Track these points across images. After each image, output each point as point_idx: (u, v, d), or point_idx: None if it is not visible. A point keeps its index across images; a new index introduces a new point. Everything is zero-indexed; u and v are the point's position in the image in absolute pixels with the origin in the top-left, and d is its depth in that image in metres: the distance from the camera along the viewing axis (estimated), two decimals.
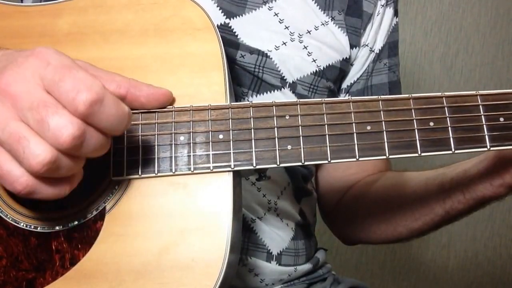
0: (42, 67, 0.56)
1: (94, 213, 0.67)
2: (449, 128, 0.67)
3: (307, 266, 1.02)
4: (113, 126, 0.56)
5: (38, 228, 0.67)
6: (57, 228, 0.67)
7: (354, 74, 1.04)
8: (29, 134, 0.54)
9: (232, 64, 0.92)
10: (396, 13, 1.07)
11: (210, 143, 0.67)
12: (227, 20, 0.92)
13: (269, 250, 0.96)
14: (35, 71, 0.56)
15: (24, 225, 0.67)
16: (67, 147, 0.54)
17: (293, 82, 0.95)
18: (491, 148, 0.67)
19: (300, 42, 0.95)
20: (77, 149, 0.55)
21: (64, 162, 0.55)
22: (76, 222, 0.66)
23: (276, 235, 0.98)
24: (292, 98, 0.95)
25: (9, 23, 0.73)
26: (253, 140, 0.67)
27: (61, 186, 0.57)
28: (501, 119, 0.68)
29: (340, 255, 2.18)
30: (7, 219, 0.68)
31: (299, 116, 0.68)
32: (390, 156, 0.67)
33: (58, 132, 0.53)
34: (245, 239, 0.94)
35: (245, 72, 0.93)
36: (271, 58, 0.93)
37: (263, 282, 0.97)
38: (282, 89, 0.95)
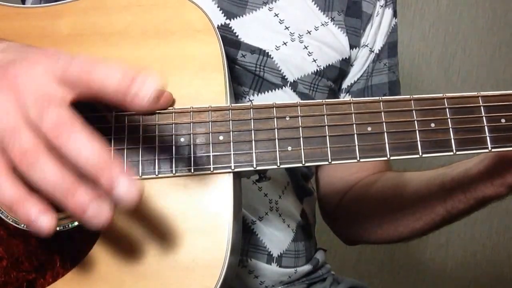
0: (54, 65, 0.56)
1: (76, 223, 0.67)
2: (450, 129, 0.67)
3: (307, 267, 1.02)
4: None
5: (23, 226, 0.67)
6: (57, 229, 0.67)
7: (354, 74, 1.05)
8: (23, 127, 0.53)
9: (233, 64, 0.92)
10: (395, 14, 1.07)
11: (211, 144, 0.67)
12: (228, 21, 0.92)
13: (270, 252, 0.96)
14: (47, 68, 0.56)
15: (25, 226, 0.67)
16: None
17: (294, 81, 0.95)
18: (493, 150, 0.67)
19: (301, 42, 0.95)
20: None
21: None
22: (76, 223, 0.66)
23: (276, 237, 0.97)
24: (293, 97, 0.96)
25: (9, 24, 0.73)
26: (253, 141, 0.67)
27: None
28: (503, 120, 0.68)
29: (339, 255, 2.18)
30: (8, 220, 0.68)
31: (299, 117, 0.68)
32: (391, 158, 0.67)
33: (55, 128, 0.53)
34: (245, 240, 0.94)
35: (246, 71, 0.93)
36: (272, 58, 0.93)
37: (263, 284, 0.97)
38: (283, 88, 0.95)
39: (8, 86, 0.56)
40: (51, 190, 0.52)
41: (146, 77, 0.54)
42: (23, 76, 0.56)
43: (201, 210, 0.66)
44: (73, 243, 0.66)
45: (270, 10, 0.95)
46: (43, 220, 0.52)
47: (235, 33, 0.92)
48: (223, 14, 0.92)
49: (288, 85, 0.95)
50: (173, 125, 0.68)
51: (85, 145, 0.52)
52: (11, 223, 0.67)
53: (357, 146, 0.67)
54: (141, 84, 0.54)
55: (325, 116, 0.68)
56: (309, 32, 0.96)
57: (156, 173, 0.67)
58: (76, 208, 0.52)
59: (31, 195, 0.53)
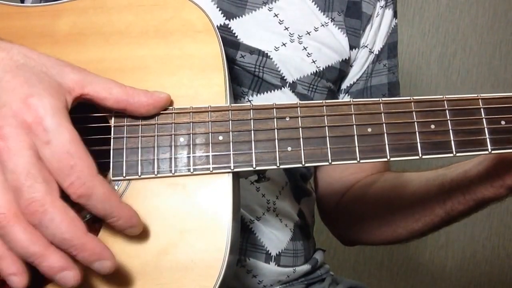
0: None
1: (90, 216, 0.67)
2: (450, 131, 0.67)
3: (305, 267, 1.02)
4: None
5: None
6: None
7: (353, 75, 1.04)
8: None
9: (232, 64, 0.92)
10: (395, 15, 1.07)
11: (210, 144, 0.67)
12: (227, 21, 0.92)
13: (268, 251, 0.96)
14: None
15: None
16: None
17: (293, 82, 0.95)
18: (492, 152, 0.67)
19: (300, 43, 0.95)
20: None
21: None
22: None
23: (274, 236, 0.97)
24: (292, 97, 0.96)
25: (8, 23, 0.73)
26: (253, 142, 0.67)
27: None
28: (503, 122, 0.68)
29: (338, 255, 2.18)
30: None
31: (299, 118, 0.68)
32: (391, 159, 0.67)
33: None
34: (243, 240, 0.94)
35: (245, 72, 0.93)
36: (271, 58, 0.93)
37: (262, 283, 0.97)
38: (282, 88, 0.95)
39: None
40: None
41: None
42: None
43: (200, 210, 0.66)
44: None
45: (269, 10, 0.95)
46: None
47: (234, 33, 0.92)
48: (222, 15, 0.92)
49: (287, 86, 0.95)
50: (173, 125, 0.68)
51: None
52: None
53: (357, 147, 0.67)
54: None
55: (325, 116, 0.68)
56: (308, 33, 0.96)
57: (156, 173, 0.67)
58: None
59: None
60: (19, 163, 0.55)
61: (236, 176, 0.70)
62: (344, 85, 1.05)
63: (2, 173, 0.56)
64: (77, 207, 0.58)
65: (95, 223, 0.66)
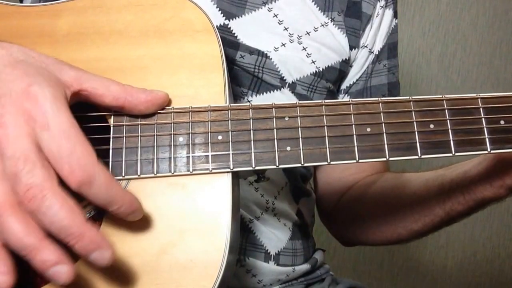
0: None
1: (92, 212, 0.67)
2: (450, 130, 0.67)
3: (305, 267, 1.02)
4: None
5: None
6: None
7: (353, 75, 1.04)
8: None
9: (232, 65, 0.92)
10: (395, 15, 1.07)
11: (209, 144, 0.67)
12: (226, 21, 0.92)
13: (267, 250, 0.96)
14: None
15: None
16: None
17: (292, 82, 0.95)
18: (492, 151, 0.67)
19: (299, 43, 0.95)
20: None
21: None
22: None
23: (273, 235, 0.97)
24: (292, 98, 0.96)
25: (8, 23, 0.73)
26: (252, 141, 0.67)
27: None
28: (502, 122, 0.68)
29: (338, 255, 2.18)
30: None
31: (298, 118, 0.68)
32: (390, 158, 0.66)
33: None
34: (243, 239, 0.94)
35: (244, 72, 0.93)
36: (271, 59, 0.93)
37: (261, 283, 0.97)
38: (282, 89, 0.95)
39: None
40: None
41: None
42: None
43: (199, 210, 0.66)
44: None
45: (269, 11, 0.95)
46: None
47: (234, 33, 0.92)
48: (222, 15, 0.92)
49: (287, 86, 0.95)
50: (172, 124, 0.68)
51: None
52: None
53: (356, 147, 0.67)
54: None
55: (324, 116, 0.68)
56: (308, 33, 0.96)
57: (155, 173, 0.67)
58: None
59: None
60: (18, 148, 0.55)
61: (236, 176, 0.70)
62: (343, 85, 1.05)
63: (1, 161, 0.55)
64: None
65: (93, 222, 0.66)
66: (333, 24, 0.98)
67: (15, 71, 0.59)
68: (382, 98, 0.68)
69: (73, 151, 0.55)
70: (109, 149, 0.67)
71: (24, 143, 0.55)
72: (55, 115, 0.56)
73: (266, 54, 0.93)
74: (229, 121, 0.68)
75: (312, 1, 0.98)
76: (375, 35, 1.04)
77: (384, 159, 0.67)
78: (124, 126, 0.68)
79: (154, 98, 0.67)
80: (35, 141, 0.56)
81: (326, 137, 0.67)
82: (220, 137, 0.67)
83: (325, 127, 0.67)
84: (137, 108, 0.66)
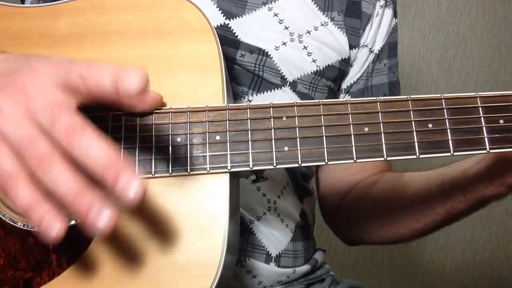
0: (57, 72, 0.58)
1: (79, 220, 0.67)
2: (448, 130, 0.67)
3: (305, 268, 1.02)
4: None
5: (36, 228, 0.67)
6: None
7: (354, 74, 1.04)
8: (38, 135, 0.55)
9: (232, 64, 0.92)
10: (395, 14, 1.07)
11: (207, 144, 0.67)
12: (227, 21, 0.92)
13: (268, 251, 0.96)
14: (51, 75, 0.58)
15: (22, 225, 0.67)
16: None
17: (293, 81, 0.95)
18: (491, 151, 0.67)
19: (300, 42, 0.95)
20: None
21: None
22: (73, 222, 0.66)
23: (274, 236, 0.97)
24: (293, 97, 0.96)
25: (7, 24, 0.73)
26: (250, 141, 0.67)
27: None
28: (501, 121, 0.67)
29: (338, 255, 2.18)
30: (5, 219, 0.68)
31: (296, 117, 0.68)
32: (388, 158, 0.66)
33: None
34: (243, 240, 0.94)
35: (245, 71, 0.93)
36: (271, 58, 0.93)
37: (261, 284, 0.97)
38: (283, 87, 0.95)
39: (18, 94, 0.57)
40: (62, 193, 0.54)
41: (127, 74, 0.58)
42: (30, 84, 0.58)
43: (197, 210, 0.66)
44: (70, 242, 0.66)
45: (269, 10, 0.95)
46: (54, 226, 0.54)
47: (235, 33, 0.92)
48: (222, 15, 0.92)
49: (288, 85, 0.95)
50: (170, 124, 0.68)
51: (93, 147, 0.54)
52: (8, 221, 0.68)
53: (353, 147, 0.67)
54: (124, 81, 0.58)
55: (322, 116, 0.68)
56: (308, 32, 0.96)
57: (153, 173, 0.67)
58: (80, 210, 0.53)
59: (45, 201, 0.54)
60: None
61: (234, 176, 0.70)
62: (344, 85, 1.05)
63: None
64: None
65: None
66: (333, 24, 0.99)
67: (6, 63, 0.62)
68: (380, 98, 0.68)
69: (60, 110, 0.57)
70: (119, 150, 0.67)
71: (20, 116, 0.56)
72: (44, 82, 0.58)
73: (267, 52, 0.93)
74: (227, 121, 0.68)
75: (312, 1, 0.98)
76: (375, 34, 1.04)
77: (382, 159, 0.66)
78: (122, 126, 0.68)
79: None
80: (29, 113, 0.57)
81: (324, 137, 0.67)
82: (218, 137, 0.67)
83: (323, 127, 0.67)
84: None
